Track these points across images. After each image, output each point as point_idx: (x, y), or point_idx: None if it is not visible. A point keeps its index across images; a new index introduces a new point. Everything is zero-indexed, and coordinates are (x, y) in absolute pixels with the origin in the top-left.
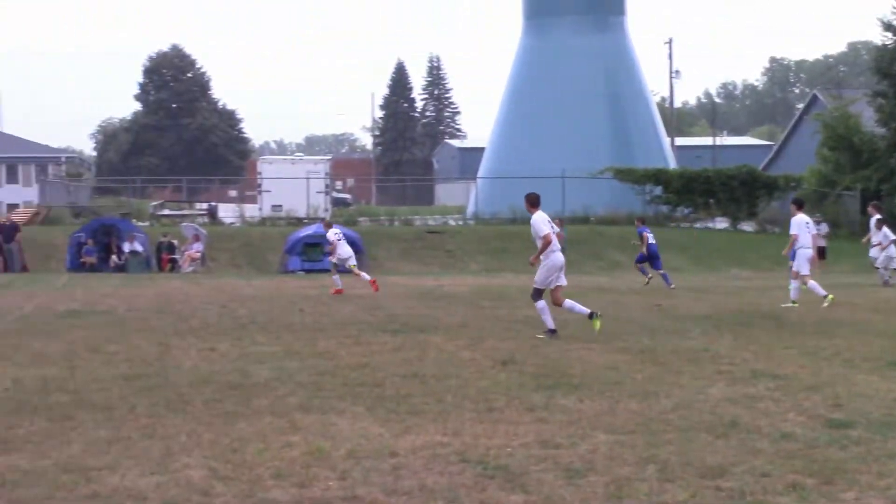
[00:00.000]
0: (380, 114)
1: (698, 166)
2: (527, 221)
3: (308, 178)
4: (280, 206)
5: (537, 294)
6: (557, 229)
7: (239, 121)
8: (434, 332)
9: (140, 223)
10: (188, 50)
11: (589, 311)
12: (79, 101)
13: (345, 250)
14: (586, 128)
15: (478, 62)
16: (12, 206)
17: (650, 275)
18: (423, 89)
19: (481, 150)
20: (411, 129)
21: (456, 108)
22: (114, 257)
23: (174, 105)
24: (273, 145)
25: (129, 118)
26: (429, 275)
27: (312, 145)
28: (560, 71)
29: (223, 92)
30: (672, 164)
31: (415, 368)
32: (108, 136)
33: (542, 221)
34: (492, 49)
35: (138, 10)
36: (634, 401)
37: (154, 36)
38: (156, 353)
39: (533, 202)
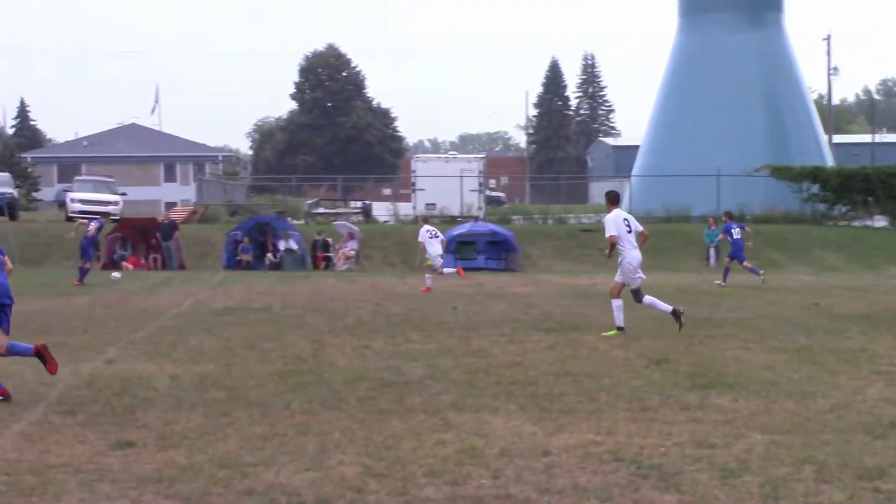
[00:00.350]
0: (534, 112)
1: (856, 164)
2: (682, 219)
3: (462, 177)
4: (434, 204)
5: (635, 293)
6: (640, 228)
7: (393, 119)
8: (587, 331)
9: (295, 221)
10: (343, 49)
11: (620, 324)
12: (236, 101)
13: (434, 249)
14: (742, 125)
15: (633, 59)
16: (170, 205)
17: (762, 273)
18: (578, 87)
19: (636, 147)
20: (565, 127)
21: (610, 105)
22: (269, 255)
23: (329, 104)
24: (427, 144)
25: (284, 117)
26: (582, 273)
27: (466, 144)
28: (716, 68)
29: (378, 91)
30: (829, 161)
31: (568, 367)
32: (264, 135)
33: (610, 221)
34: (647, 46)
35: (295, 10)
36: (791, 401)
37: (310, 35)
38: (310, 351)
39: (612, 199)
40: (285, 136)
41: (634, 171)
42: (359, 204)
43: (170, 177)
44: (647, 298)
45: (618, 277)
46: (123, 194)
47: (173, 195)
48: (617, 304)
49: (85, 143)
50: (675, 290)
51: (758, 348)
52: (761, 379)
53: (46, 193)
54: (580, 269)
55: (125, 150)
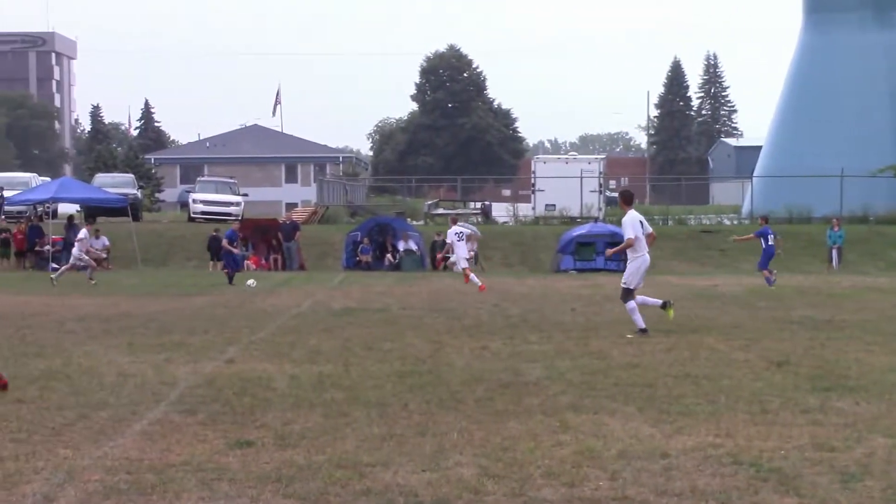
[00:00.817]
0: (655, 112)
1: None
2: (804, 221)
3: (582, 178)
4: (553, 205)
5: (627, 294)
6: (650, 229)
7: (514, 120)
8: (707, 333)
9: (415, 222)
10: (465, 50)
11: (643, 325)
12: (357, 102)
13: (461, 251)
14: (867, 126)
15: (756, 60)
16: (291, 205)
17: (774, 280)
18: (700, 87)
19: (758, 148)
20: (686, 128)
21: (732, 105)
22: (388, 256)
23: (450, 105)
24: (547, 144)
25: (405, 118)
26: (702, 274)
27: (587, 144)
28: (841, 68)
29: (499, 91)
30: None
31: (687, 369)
32: (384, 136)
33: (628, 223)
34: (771, 46)
35: (416, 11)
36: None
37: (431, 36)
38: (429, 351)
39: (627, 200)
40: (406, 137)
41: (756, 172)
42: (478, 204)
43: (291, 178)
44: (631, 304)
45: (629, 279)
46: (245, 195)
47: (294, 196)
48: (631, 306)
49: (207, 144)
50: (795, 292)
51: (881, 350)
52: (884, 381)
53: (169, 194)
54: (701, 270)
55: (247, 151)
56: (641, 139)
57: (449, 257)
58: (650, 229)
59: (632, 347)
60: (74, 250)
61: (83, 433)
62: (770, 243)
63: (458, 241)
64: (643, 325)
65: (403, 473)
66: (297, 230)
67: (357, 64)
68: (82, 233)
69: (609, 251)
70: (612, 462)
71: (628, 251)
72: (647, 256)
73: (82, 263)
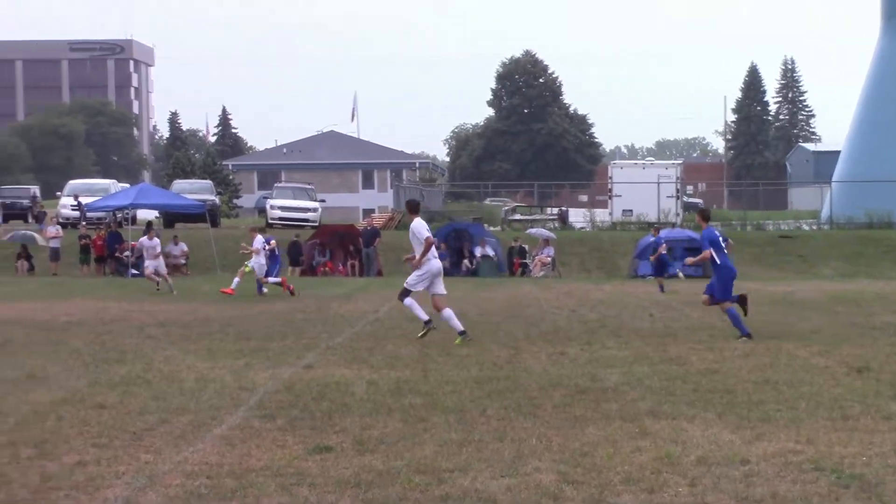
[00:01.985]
0: (732, 117)
1: None
2: (885, 226)
3: (659, 183)
4: (630, 210)
5: (405, 293)
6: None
7: (590, 125)
8: (786, 339)
9: (491, 228)
10: (541, 56)
11: (461, 328)
12: (433, 108)
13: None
14: None
15: (834, 64)
16: (368, 211)
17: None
18: (777, 92)
19: (836, 153)
20: (764, 133)
21: (810, 110)
22: (466, 261)
23: (526, 110)
24: (624, 150)
25: (481, 124)
26: (781, 280)
27: (663, 149)
28: None
29: (575, 97)
30: None
31: (766, 375)
32: (460, 142)
33: (422, 226)
34: (849, 50)
35: (493, 17)
36: None
37: (507, 42)
38: (506, 357)
39: (412, 209)
40: (482, 143)
41: (835, 177)
42: (555, 210)
43: (367, 183)
44: (409, 300)
45: (412, 280)
46: (322, 201)
47: (371, 202)
48: (409, 302)
49: (285, 150)
50: (876, 298)
51: None
52: None
53: (247, 200)
54: (779, 276)
55: (324, 158)
56: (719, 144)
57: (525, 263)
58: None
59: (711, 353)
60: (151, 262)
61: (164, 438)
62: (664, 252)
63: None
64: (425, 317)
65: (482, 479)
66: (378, 237)
67: (434, 70)
68: (146, 241)
69: (689, 260)
70: (692, 468)
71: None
72: (437, 262)
73: (160, 272)
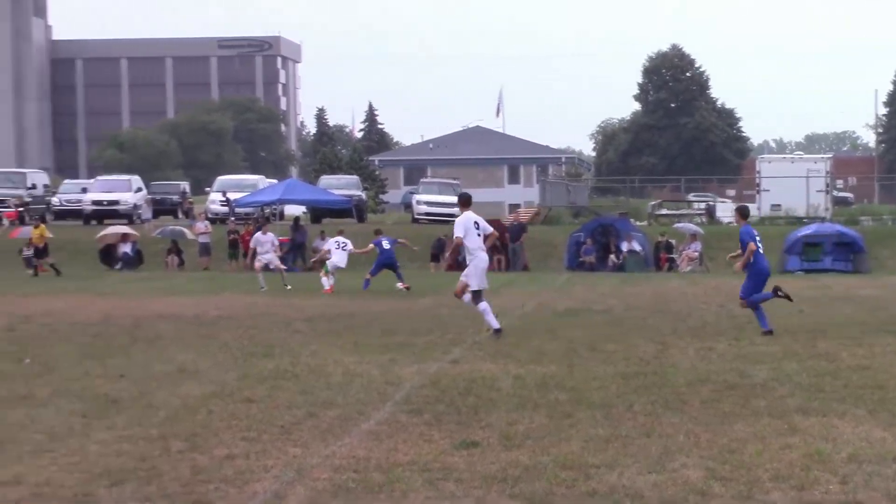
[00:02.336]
0: (883, 111)
1: None
2: None
3: (808, 177)
4: (779, 205)
5: (476, 296)
6: (489, 230)
7: (737, 119)
8: None
9: (638, 223)
10: (688, 49)
11: (494, 324)
12: (579, 102)
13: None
14: None
15: None
16: (514, 206)
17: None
18: None
19: None
20: None
21: None
22: (612, 256)
23: (673, 105)
24: (772, 144)
25: (627, 118)
26: None
27: (812, 143)
28: None
29: (722, 91)
30: None
31: None
32: (607, 137)
33: (459, 224)
34: None
35: (639, 11)
36: None
37: (654, 36)
38: (653, 352)
39: (464, 202)
40: (628, 137)
41: None
42: (702, 205)
43: (513, 178)
44: (483, 305)
45: (472, 281)
46: None
47: (516, 197)
48: (483, 307)
49: (431, 145)
50: None
51: None
52: None
53: (393, 196)
54: None
55: (470, 153)
56: (869, 138)
57: (672, 259)
58: (489, 229)
59: (862, 349)
60: (264, 256)
61: (311, 432)
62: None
63: (337, 248)
64: (497, 325)
65: (629, 475)
66: (524, 232)
67: (580, 64)
68: (261, 236)
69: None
70: (843, 465)
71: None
72: (484, 256)
73: (272, 267)
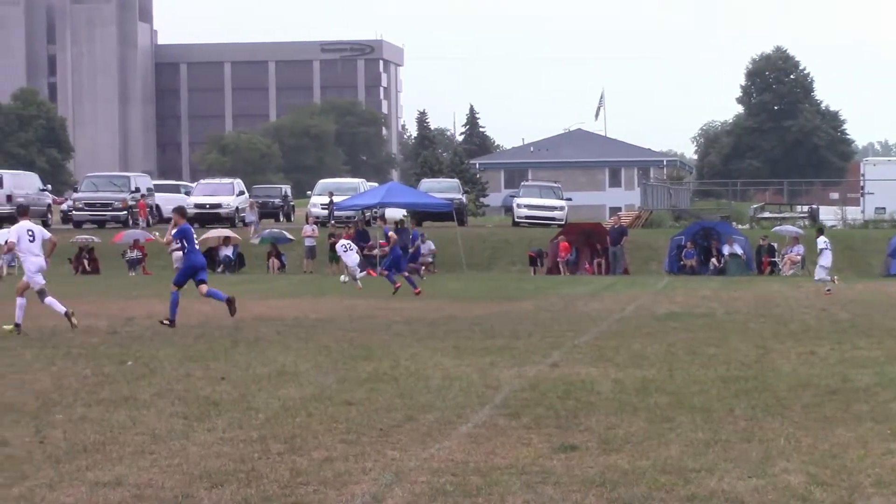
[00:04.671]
0: None
1: None
2: None
3: None
4: (883, 208)
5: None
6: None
7: (842, 122)
8: None
9: (740, 226)
10: (792, 51)
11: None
12: (681, 105)
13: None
14: None
15: None
16: (615, 210)
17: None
18: None
19: None
20: None
21: None
22: (713, 260)
23: (776, 107)
24: (877, 146)
25: (730, 121)
26: None
27: None
28: None
29: (827, 92)
30: None
31: None
32: (709, 140)
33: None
34: None
35: (743, 13)
36: None
37: (758, 38)
38: (754, 356)
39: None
40: (731, 140)
41: None
42: (805, 208)
43: (614, 182)
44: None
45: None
46: (569, 199)
47: (617, 200)
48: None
49: (531, 148)
50: None
51: None
52: None
53: (494, 199)
54: None
55: (570, 156)
56: None
57: (774, 262)
58: (48, 235)
59: None
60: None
61: (410, 435)
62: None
63: (344, 251)
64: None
65: (729, 480)
66: (625, 235)
67: (682, 67)
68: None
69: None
70: None
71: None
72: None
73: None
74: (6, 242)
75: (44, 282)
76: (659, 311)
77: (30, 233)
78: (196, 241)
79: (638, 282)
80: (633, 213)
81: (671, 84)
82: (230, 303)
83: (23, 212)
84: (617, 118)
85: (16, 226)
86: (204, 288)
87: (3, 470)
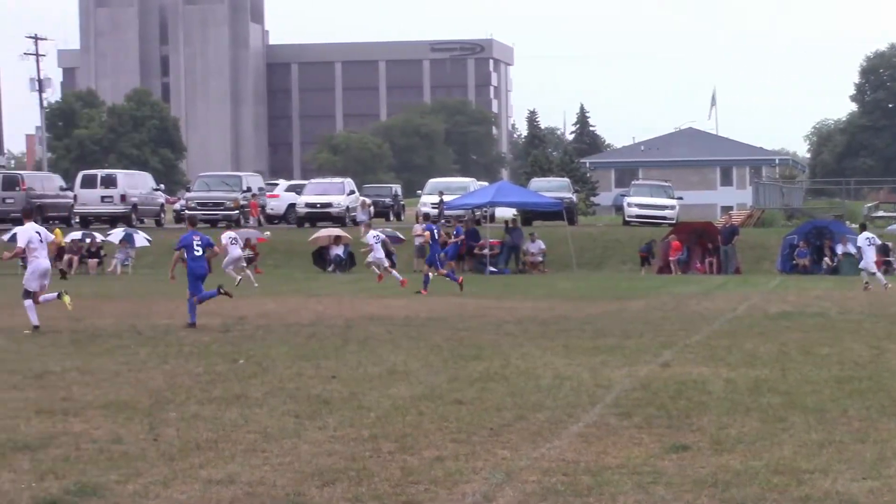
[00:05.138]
0: None
1: None
2: None
3: None
4: None
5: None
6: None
7: None
8: None
9: (853, 225)
10: None
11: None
12: (794, 103)
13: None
14: None
15: None
16: (726, 208)
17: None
18: None
19: None
20: None
21: None
22: (826, 259)
23: (891, 105)
24: None
25: (843, 119)
26: None
27: None
28: None
29: None
30: None
31: None
32: (822, 138)
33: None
34: None
35: (856, 10)
36: None
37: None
38: (869, 356)
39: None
40: (844, 139)
41: None
42: None
43: (726, 181)
44: (28, 302)
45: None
46: (680, 198)
47: (729, 199)
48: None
49: (642, 147)
50: None
51: None
52: None
53: (604, 198)
54: None
55: (682, 155)
56: None
57: (888, 261)
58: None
59: None
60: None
61: (521, 434)
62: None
63: (375, 243)
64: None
65: (843, 481)
66: (736, 234)
67: (795, 64)
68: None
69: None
70: None
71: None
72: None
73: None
74: (16, 247)
75: (38, 286)
76: (771, 311)
77: (38, 234)
78: (196, 249)
79: (749, 281)
80: (745, 212)
81: (784, 82)
82: None
83: (27, 213)
84: (729, 116)
85: (23, 228)
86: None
87: (117, 467)
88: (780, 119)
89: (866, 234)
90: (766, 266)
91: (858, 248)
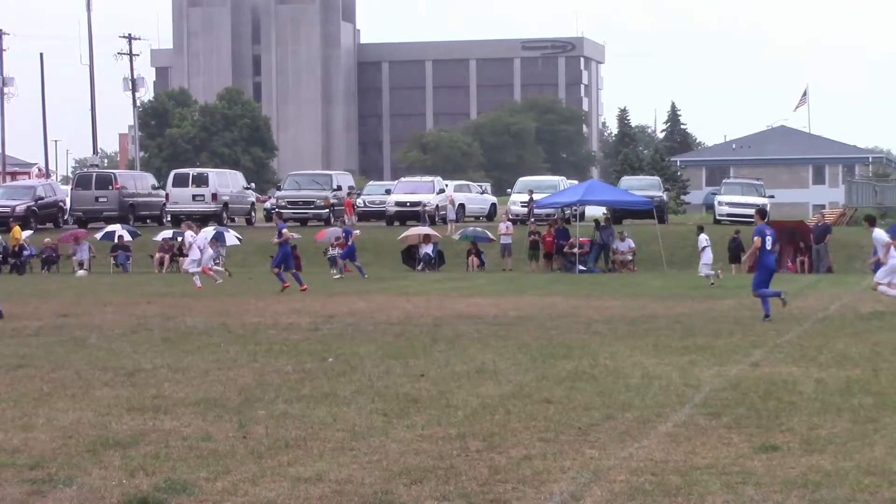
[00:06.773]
0: None
1: None
2: None
3: None
4: None
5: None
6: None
7: None
8: None
9: None
10: None
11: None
12: (888, 101)
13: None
14: None
15: None
16: (818, 207)
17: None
18: None
19: None
20: None
21: None
22: None
23: None
24: None
25: None
26: None
27: None
28: None
29: None
30: None
31: None
32: None
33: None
34: None
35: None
36: None
37: None
38: None
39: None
40: None
41: None
42: None
43: (818, 179)
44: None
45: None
46: (771, 197)
47: (821, 197)
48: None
49: (734, 145)
50: None
51: None
52: None
53: (695, 196)
54: None
55: (773, 153)
56: None
57: None
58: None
59: None
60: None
61: (609, 434)
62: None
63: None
64: None
65: None
66: (829, 233)
67: (890, 62)
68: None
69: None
70: None
71: None
72: None
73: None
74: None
75: None
76: (863, 311)
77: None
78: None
79: (841, 280)
80: (838, 211)
81: (879, 79)
82: None
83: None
84: (822, 113)
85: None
86: None
87: (207, 464)
88: (874, 117)
89: (704, 235)
90: (860, 265)
91: None
